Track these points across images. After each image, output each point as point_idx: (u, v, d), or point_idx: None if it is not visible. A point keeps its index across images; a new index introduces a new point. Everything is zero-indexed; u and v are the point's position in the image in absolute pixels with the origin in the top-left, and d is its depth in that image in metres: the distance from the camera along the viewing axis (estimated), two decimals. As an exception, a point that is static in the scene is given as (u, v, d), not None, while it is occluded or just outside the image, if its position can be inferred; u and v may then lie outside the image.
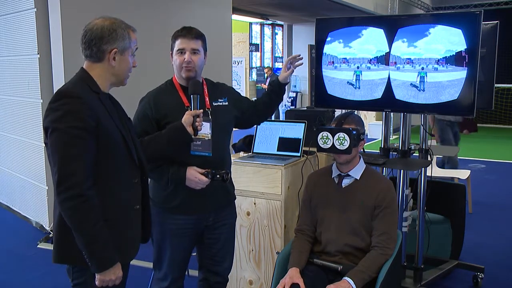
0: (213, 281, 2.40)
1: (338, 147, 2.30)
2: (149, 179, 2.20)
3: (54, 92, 4.50)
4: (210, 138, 2.16)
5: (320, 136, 2.36)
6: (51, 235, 4.17)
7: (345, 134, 2.28)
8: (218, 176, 2.15)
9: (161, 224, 2.23)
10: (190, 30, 2.18)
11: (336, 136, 2.30)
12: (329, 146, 2.33)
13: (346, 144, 2.28)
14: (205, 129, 2.14)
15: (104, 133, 1.65)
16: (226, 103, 2.30)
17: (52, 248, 1.73)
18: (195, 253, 2.44)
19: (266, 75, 13.58)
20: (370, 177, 2.36)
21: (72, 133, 1.57)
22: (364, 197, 2.29)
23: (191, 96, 2.09)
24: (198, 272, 2.46)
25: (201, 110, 2.09)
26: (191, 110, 2.08)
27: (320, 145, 2.36)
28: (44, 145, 1.67)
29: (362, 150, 2.47)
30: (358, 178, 2.34)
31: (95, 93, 1.69)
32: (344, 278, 2.12)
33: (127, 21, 1.77)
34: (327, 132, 2.33)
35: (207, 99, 2.22)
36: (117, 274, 1.67)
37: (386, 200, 2.27)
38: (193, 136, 2.07)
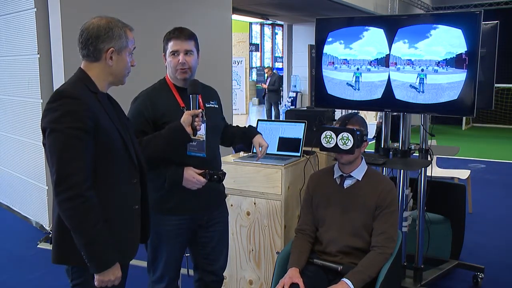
0: (208, 280, 2.41)
1: (341, 146, 2.29)
2: None
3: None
4: (204, 139, 2.16)
5: (323, 135, 2.35)
6: (51, 235, 4.17)
7: (348, 134, 2.27)
8: (215, 176, 2.16)
9: (156, 226, 2.19)
10: (182, 30, 2.17)
11: (339, 136, 2.29)
12: (332, 145, 2.32)
13: (350, 144, 2.27)
14: (201, 130, 2.15)
15: (102, 133, 1.64)
16: (217, 106, 2.34)
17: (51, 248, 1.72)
18: (188, 254, 2.45)
19: (266, 75, 13.59)
20: (372, 178, 2.35)
21: (71, 134, 1.56)
22: (365, 198, 2.29)
23: (190, 96, 2.08)
24: (194, 273, 2.47)
25: (200, 110, 2.08)
26: (190, 109, 2.08)
27: (323, 144, 2.35)
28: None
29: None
30: (360, 179, 2.34)
31: (93, 93, 1.68)
32: (342, 279, 2.12)
33: (126, 21, 1.76)
34: (330, 132, 2.32)
35: (200, 100, 2.23)
36: (116, 275, 1.66)
37: (387, 201, 2.27)
38: (191, 136, 2.07)
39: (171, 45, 2.15)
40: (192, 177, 2.12)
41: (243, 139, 2.52)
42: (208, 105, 2.27)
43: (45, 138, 1.61)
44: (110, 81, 1.75)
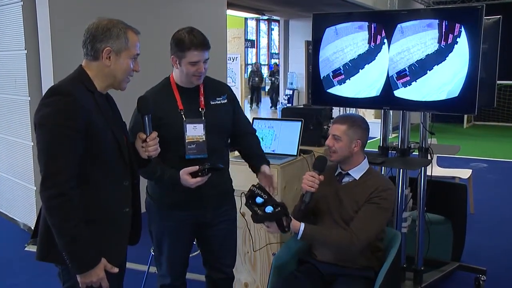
0: (215, 277, 2.41)
1: None
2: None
3: (43, 89, 4.38)
4: (204, 139, 2.14)
5: None
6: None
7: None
8: (212, 170, 2.08)
9: (159, 221, 2.26)
10: (201, 39, 2.11)
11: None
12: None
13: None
14: (199, 131, 2.13)
15: (95, 132, 1.65)
16: (225, 101, 2.28)
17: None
18: (195, 252, 2.45)
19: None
20: (370, 177, 2.29)
21: (60, 131, 1.57)
22: (359, 196, 2.23)
23: (142, 117, 1.88)
24: (204, 268, 2.46)
25: (145, 136, 1.86)
26: (143, 132, 1.87)
27: None
28: (32, 144, 1.63)
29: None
30: (357, 179, 2.29)
31: (90, 92, 1.69)
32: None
33: (118, 17, 1.74)
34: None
35: (202, 98, 2.21)
36: (99, 276, 1.65)
37: (379, 197, 2.18)
38: (151, 158, 1.90)
39: (192, 56, 2.09)
40: (190, 183, 2.08)
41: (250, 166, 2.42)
42: (213, 102, 2.24)
43: (36, 133, 1.62)
44: (109, 82, 1.74)
